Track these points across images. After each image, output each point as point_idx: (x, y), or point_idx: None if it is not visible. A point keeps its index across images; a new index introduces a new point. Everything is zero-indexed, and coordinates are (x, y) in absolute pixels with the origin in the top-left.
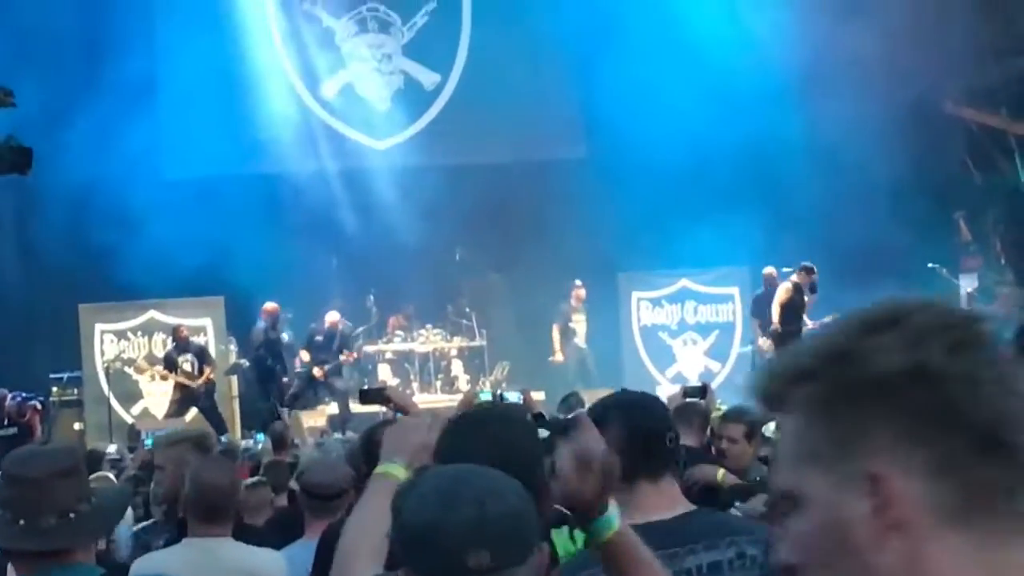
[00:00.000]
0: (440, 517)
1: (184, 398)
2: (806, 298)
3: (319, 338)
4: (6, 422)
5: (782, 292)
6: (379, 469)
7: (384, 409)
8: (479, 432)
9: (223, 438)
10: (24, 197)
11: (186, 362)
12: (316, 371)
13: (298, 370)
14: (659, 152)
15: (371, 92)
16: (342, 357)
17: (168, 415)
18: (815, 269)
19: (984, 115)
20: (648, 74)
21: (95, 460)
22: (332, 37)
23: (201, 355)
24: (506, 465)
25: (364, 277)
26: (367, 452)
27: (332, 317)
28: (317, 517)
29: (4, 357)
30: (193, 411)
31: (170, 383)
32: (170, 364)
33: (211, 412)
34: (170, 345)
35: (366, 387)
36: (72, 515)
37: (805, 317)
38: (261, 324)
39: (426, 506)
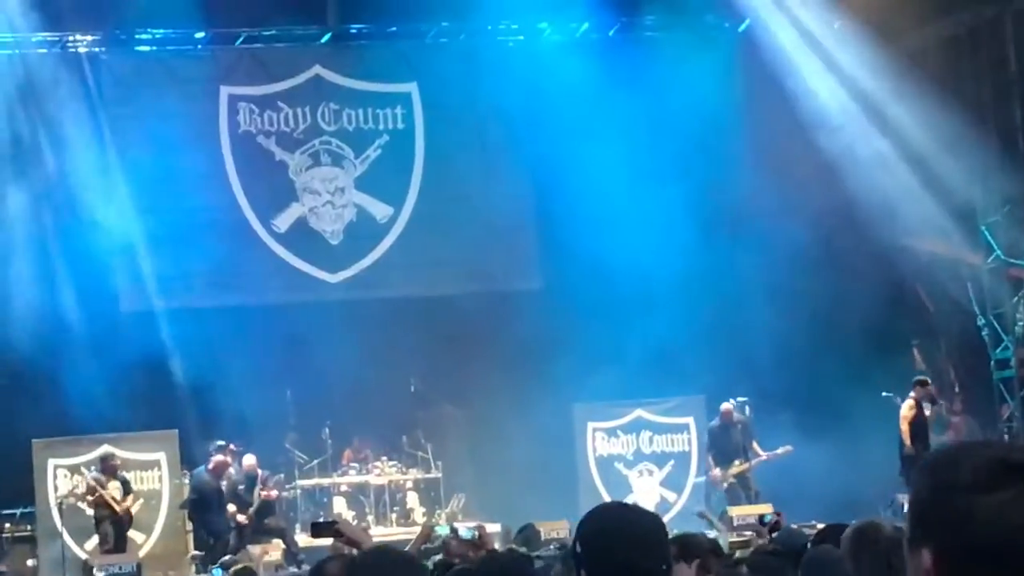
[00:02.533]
0: None
1: (115, 527)
2: (927, 411)
3: (241, 487)
4: None
5: (906, 411)
6: None
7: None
8: None
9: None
10: None
11: (116, 489)
12: (240, 518)
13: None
14: (614, 283)
15: (324, 225)
16: (263, 495)
17: (112, 549)
18: (928, 381)
19: (935, 244)
20: (604, 206)
21: None
22: (285, 171)
23: (126, 485)
24: None
25: (319, 409)
26: None
27: (248, 460)
28: None
29: None
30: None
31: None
32: (99, 486)
33: (122, 542)
34: (96, 471)
35: (318, 520)
36: None
37: (756, 446)
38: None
39: None
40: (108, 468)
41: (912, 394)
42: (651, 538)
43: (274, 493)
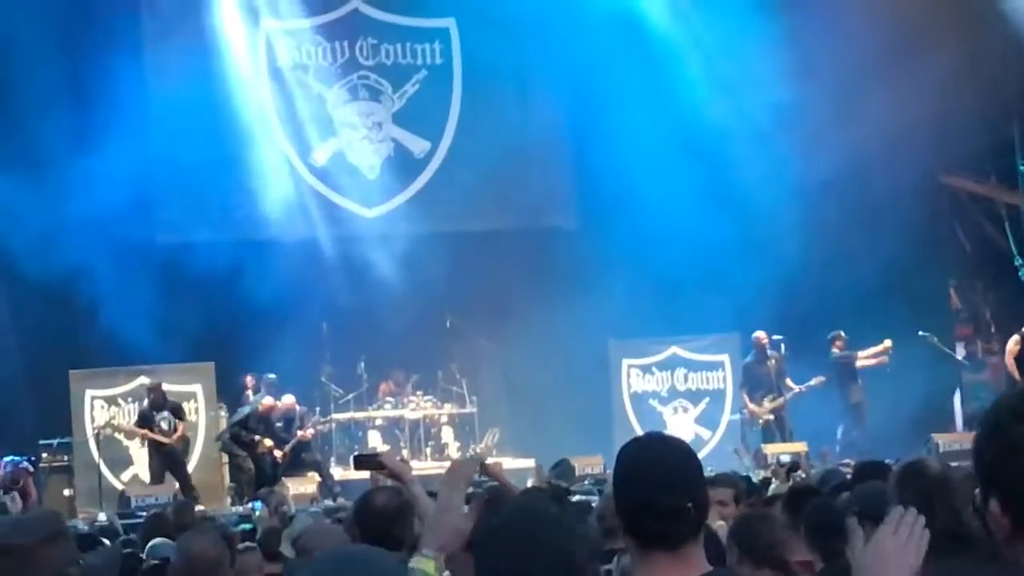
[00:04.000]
0: None
1: (161, 459)
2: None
3: (279, 425)
4: (2, 490)
5: (1012, 345)
6: (413, 563)
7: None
8: (525, 542)
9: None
10: (13, 262)
11: (163, 420)
12: (277, 453)
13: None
14: (649, 220)
15: (361, 160)
16: (300, 433)
17: (152, 480)
18: None
19: (973, 183)
20: (640, 143)
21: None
22: (323, 104)
23: (176, 412)
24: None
25: (354, 343)
26: (359, 520)
27: (288, 399)
28: None
29: None
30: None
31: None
32: (145, 421)
33: (182, 473)
34: (146, 402)
35: (359, 453)
36: None
37: (790, 382)
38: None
39: None
40: (155, 401)
41: None
42: (676, 475)
43: (310, 432)
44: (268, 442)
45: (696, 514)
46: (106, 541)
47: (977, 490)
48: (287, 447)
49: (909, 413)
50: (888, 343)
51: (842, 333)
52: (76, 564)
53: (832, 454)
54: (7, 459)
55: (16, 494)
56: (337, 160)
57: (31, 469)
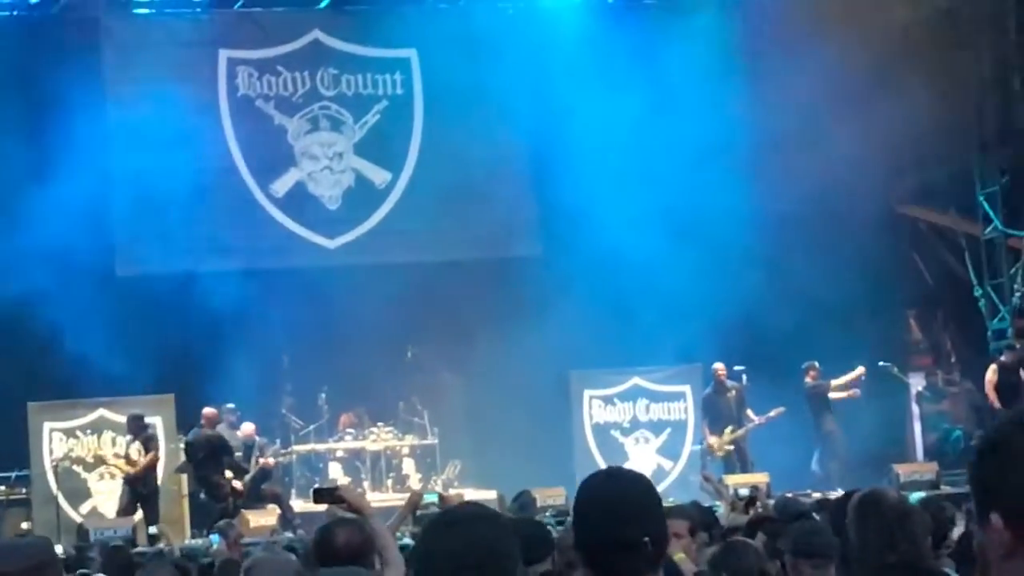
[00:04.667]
0: None
1: (132, 493)
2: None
3: (238, 455)
4: None
5: (990, 375)
6: None
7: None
8: (453, 533)
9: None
10: None
11: (136, 450)
12: (237, 484)
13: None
14: (614, 250)
15: (322, 190)
16: (262, 462)
17: (120, 512)
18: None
19: (933, 214)
20: (602, 172)
21: None
22: (284, 135)
23: (147, 443)
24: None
25: (315, 375)
26: (320, 557)
27: (247, 428)
28: None
29: None
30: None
31: (117, 482)
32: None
33: (152, 505)
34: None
35: (319, 486)
36: None
37: (750, 413)
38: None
39: None
40: (130, 428)
41: (1002, 358)
42: (634, 509)
43: (271, 461)
44: (228, 473)
45: (654, 548)
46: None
47: (966, 510)
48: (247, 477)
49: (869, 443)
50: (861, 369)
51: (816, 364)
52: None
53: (810, 482)
54: None
55: None
56: (298, 190)
57: None
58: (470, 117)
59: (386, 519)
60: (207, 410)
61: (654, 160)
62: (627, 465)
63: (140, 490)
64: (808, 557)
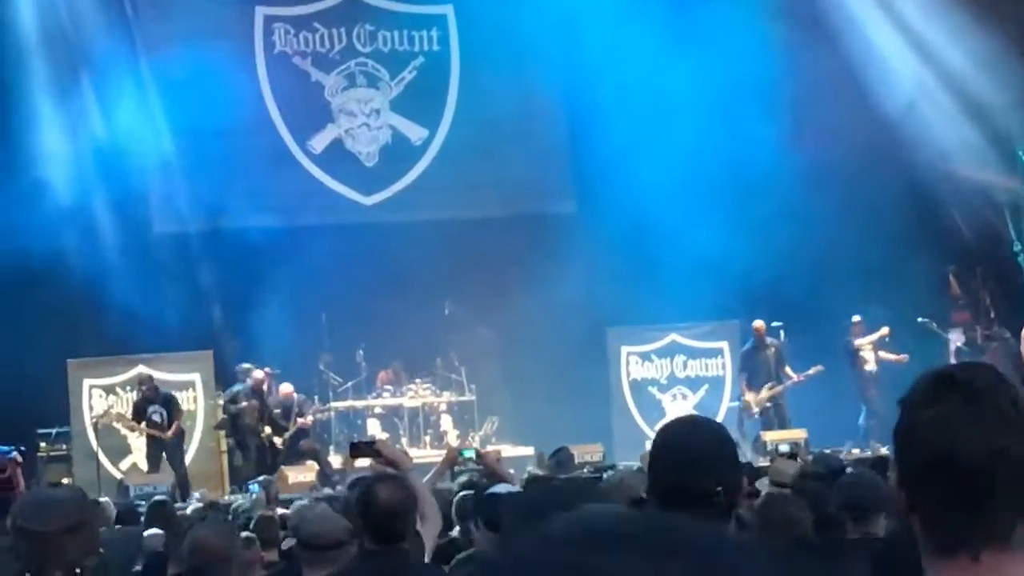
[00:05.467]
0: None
1: (156, 451)
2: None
3: (276, 411)
4: None
5: None
6: None
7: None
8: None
9: (196, 494)
10: (11, 250)
11: (155, 413)
12: (276, 441)
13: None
14: (649, 206)
15: (359, 147)
16: (300, 421)
17: (149, 470)
18: None
19: (972, 169)
20: (638, 128)
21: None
22: (321, 92)
23: (168, 405)
24: None
25: (353, 332)
26: (362, 513)
27: (285, 388)
28: (315, 569)
29: None
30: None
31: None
32: (138, 415)
33: (178, 465)
34: (137, 396)
35: (356, 440)
36: (79, 571)
37: (789, 370)
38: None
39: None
40: (146, 394)
41: None
42: (707, 458)
43: (310, 420)
44: (267, 429)
45: (726, 498)
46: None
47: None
48: (286, 435)
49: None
50: (886, 330)
51: (858, 319)
52: (95, 554)
53: (848, 438)
54: None
55: None
56: (335, 147)
57: (19, 459)
58: (506, 73)
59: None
60: (257, 373)
61: (690, 115)
62: (664, 421)
63: (175, 452)
64: (852, 510)
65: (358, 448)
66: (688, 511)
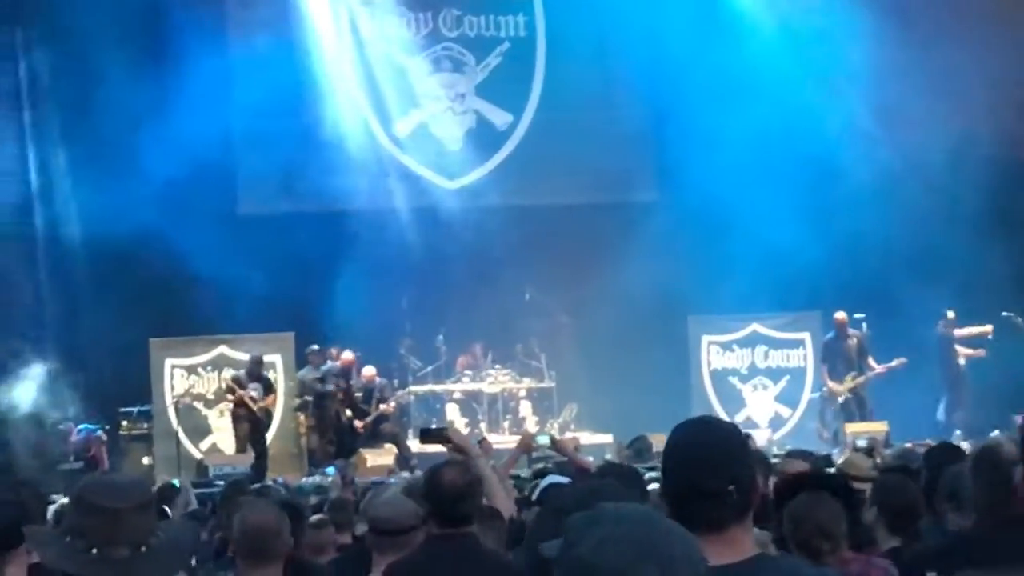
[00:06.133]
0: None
1: (245, 428)
2: None
3: (358, 394)
4: (72, 457)
5: None
6: None
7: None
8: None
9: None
10: (95, 230)
11: (254, 390)
12: (357, 424)
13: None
14: (731, 194)
15: (444, 131)
16: (383, 407)
17: (238, 449)
18: None
19: None
20: (722, 118)
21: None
22: (406, 76)
23: (267, 388)
24: None
25: (433, 316)
26: (428, 495)
27: (368, 371)
28: (384, 554)
29: (74, 391)
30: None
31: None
32: (240, 385)
33: (261, 444)
34: (242, 372)
35: (427, 427)
36: (144, 548)
37: (872, 361)
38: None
39: (614, 551)
40: (251, 371)
41: None
42: (718, 457)
43: (391, 406)
44: (348, 412)
45: (739, 497)
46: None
47: None
48: (367, 419)
49: (992, 393)
50: (989, 327)
51: (949, 311)
52: (156, 535)
53: (931, 431)
54: (80, 427)
55: (83, 463)
56: (420, 131)
57: (104, 438)
58: (591, 60)
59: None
60: (346, 354)
61: (773, 103)
62: (744, 412)
63: (261, 429)
64: (951, 500)
65: (428, 434)
66: (700, 510)
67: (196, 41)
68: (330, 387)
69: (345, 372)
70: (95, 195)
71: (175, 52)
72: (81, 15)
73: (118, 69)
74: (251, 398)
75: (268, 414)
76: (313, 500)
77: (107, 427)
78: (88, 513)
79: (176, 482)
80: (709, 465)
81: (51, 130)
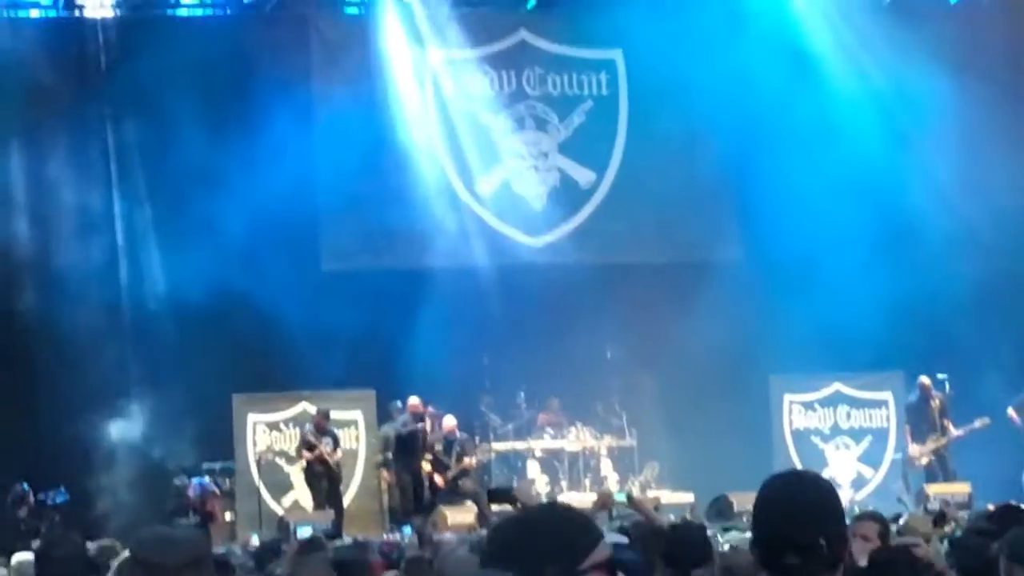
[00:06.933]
0: None
1: (321, 483)
2: None
3: (438, 446)
4: (190, 512)
5: None
6: None
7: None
8: None
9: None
10: (180, 288)
11: (326, 444)
12: (437, 479)
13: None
14: (812, 255)
15: (527, 189)
16: (466, 460)
17: (316, 506)
18: None
19: None
20: (804, 177)
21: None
22: (489, 134)
23: (335, 442)
24: None
25: (515, 373)
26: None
27: (448, 423)
28: None
29: (158, 446)
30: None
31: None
32: (311, 446)
33: (336, 500)
34: (309, 427)
35: (494, 487)
36: None
37: (950, 424)
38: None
39: None
40: (320, 425)
41: None
42: (810, 511)
43: (473, 463)
44: (427, 466)
45: (830, 551)
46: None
47: None
48: (448, 474)
49: None
50: (986, 420)
51: None
52: None
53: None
54: (196, 481)
55: (199, 517)
56: (503, 189)
57: (218, 492)
58: (674, 118)
59: None
60: (412, 400)
61: (857, 161)
62: (827, 472)
63: (337, 482)
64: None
65: (496, 494)
66: (791, 562)
67: (280, 100)
68: (407, 430)
69: (418, 417)
70: (180, 253)
71: (259, 112)
72: (167, 78)
73: (202, 129)
74: (329, 453)
75: (339, 470)
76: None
77: (218, 482)
78: (140, 570)
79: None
80: (801, 518)
81: (137, 190)
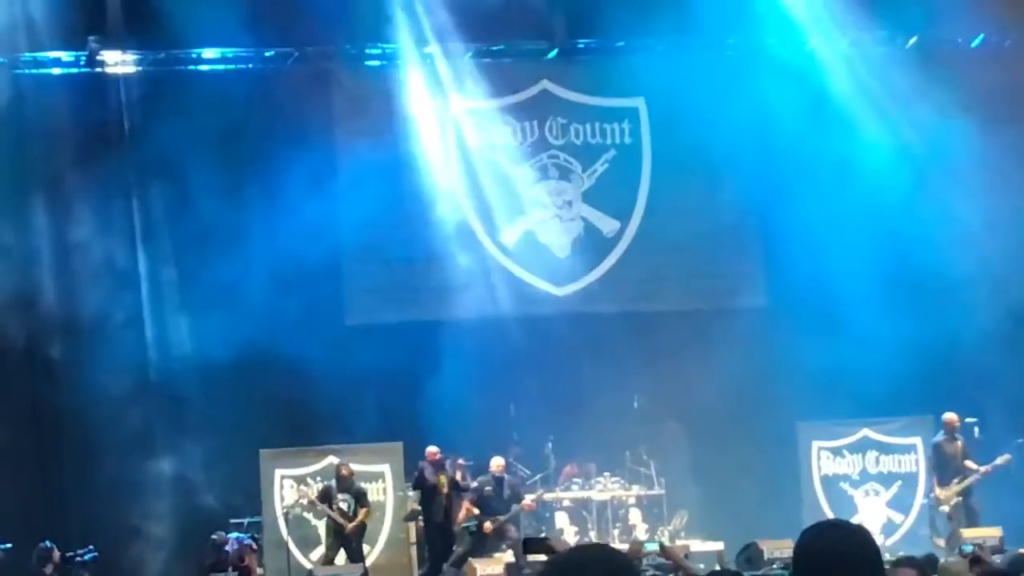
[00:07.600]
0: None
1: (335, 541)
2: None
3: (488, 489)
4: (230, 568)
5: None
6: None
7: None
8: None
9: None
10: (205, 343)
11: (343, 501)
12: (487, 525)
13: (464, 524)
14: (838, 300)
15: (551, 238)
16: (524, 503)
17: (326, 555)
18: None
19: None
20: (830, 223)
21: None
22: (513, 184)
23: (359, 498)
24: None
25: (542, 423)
26: None
27: (498, 463)
28: None
29: (186, 502)
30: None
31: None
32: (325, 498)
33: (356, 554)
34: (332, 482)
35: (527, 536)
36: None
37: (969, 463)
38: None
39: None
40: (340, 481)
41: None
42: (849, 559)
43: (533, 501)
44: (474, 509)
45: None
46: None
47: None
48: (503, 519)
49: None
50: (1008, 456)
51: None
52: None
53: None
54: (233, 536)
55: (237, 573)
56: (527, 239)
57: (255, 547)
58: (697, 165)
59: None
60: (430, 449)
61: (882, 206)
62: (856, 518)
63: (352, 544)
64: None
65: (531, 544)
66: None
67: (302, 153)
68: (430, 480)
69: (437, 465)
70: (204, 309)
71: (282, 166)
72: (189, 134)
73: (225, 185)
74: (340, 512)
75: (362, 528)
76: None
77: (255, 536)
78: None
79: None
80: (840, 569)
81: (161, 246)
